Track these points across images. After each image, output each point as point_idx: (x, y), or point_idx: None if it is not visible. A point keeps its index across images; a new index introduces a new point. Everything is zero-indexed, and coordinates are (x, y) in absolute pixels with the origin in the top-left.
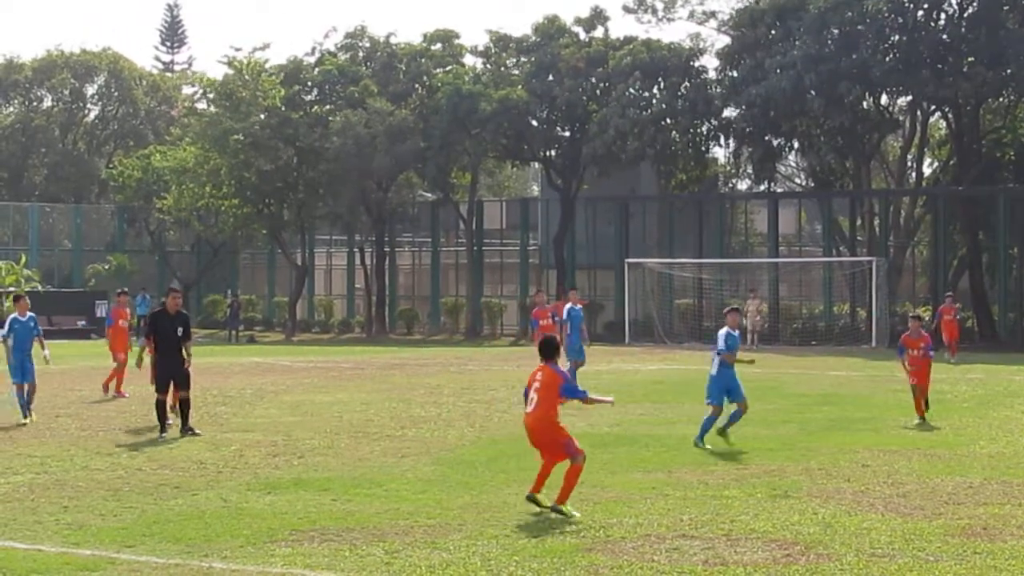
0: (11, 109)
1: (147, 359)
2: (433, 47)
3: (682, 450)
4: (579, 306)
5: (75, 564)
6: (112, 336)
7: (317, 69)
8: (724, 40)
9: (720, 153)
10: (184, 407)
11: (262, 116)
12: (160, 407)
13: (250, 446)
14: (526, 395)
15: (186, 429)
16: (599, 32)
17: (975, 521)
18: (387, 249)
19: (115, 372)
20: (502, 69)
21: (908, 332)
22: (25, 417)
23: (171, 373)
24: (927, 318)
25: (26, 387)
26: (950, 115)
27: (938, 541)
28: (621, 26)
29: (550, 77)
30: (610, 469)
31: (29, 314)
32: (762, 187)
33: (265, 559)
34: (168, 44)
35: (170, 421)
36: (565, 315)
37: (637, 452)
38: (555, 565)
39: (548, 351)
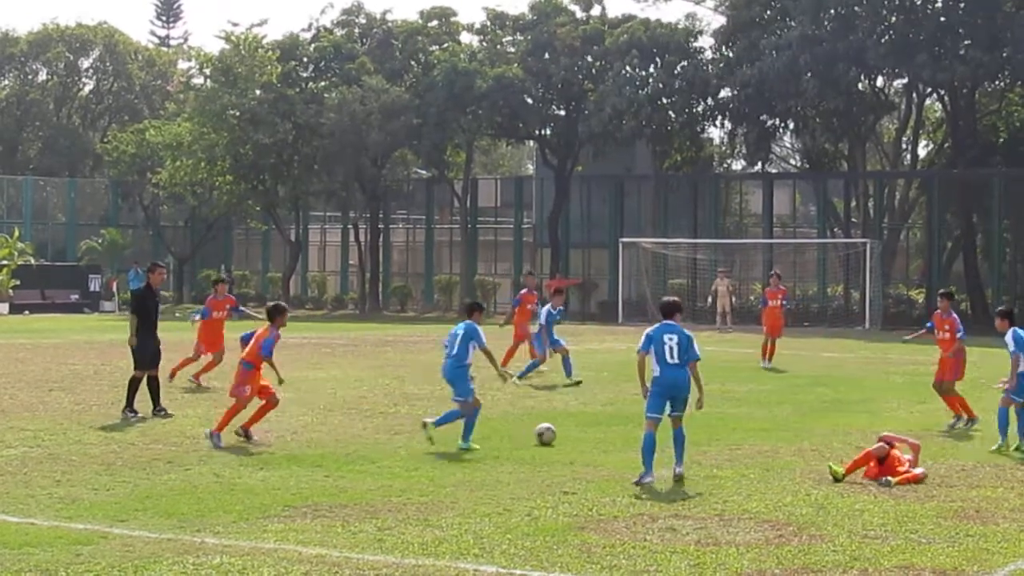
0: (6, 82)
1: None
2: (429, 24)
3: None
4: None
5: (68, 538)
6: (203, 328)
7: (313, 46)
8: (720, 20)
9: (715, 133)
10: (154, 385)
11: (258, 92)
12: (134, 384)
13: (243, 422)
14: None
15: (159, 409)
16: (596, 11)
17: (968, 504)
18: (381, 226)
19: (209, 364)
20: (498, 47)
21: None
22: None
23: (153, 351)
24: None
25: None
26: (946, 98)
27: (931, 523)
28: (617, 5)
29: (546, 55)
30: (603, 448)
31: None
32: (757, 168)
33: (258, 535)
34: (164, 19)
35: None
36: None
37: (631, 431)
38: (548, 543)
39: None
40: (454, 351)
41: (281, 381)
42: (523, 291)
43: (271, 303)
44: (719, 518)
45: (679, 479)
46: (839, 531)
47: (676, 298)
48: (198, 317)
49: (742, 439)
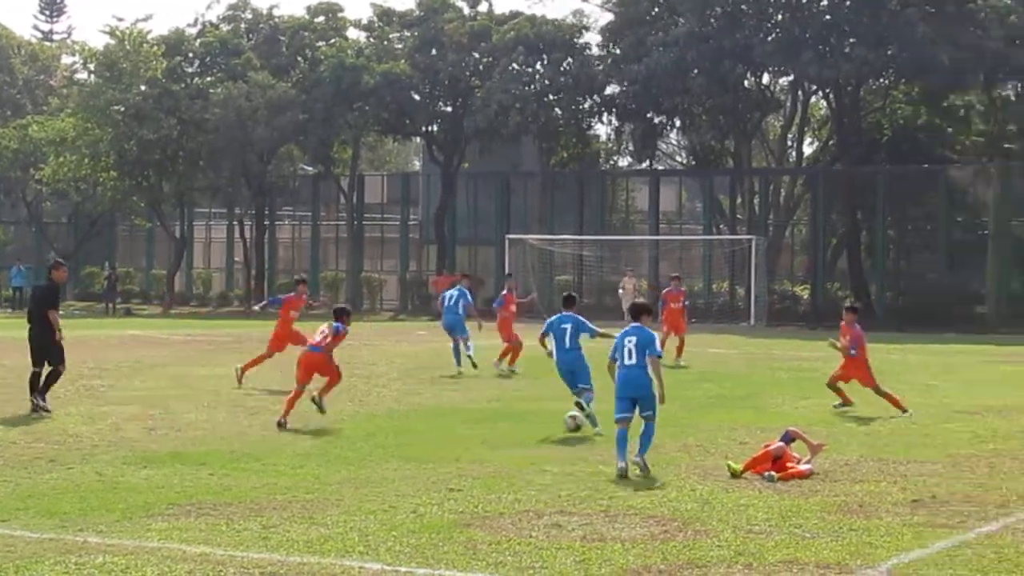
0: None
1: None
2: (316, 20)
3: (561, 425)
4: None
5: None
6: (278, 324)
7: (199, 41)
8: (608, 17)
9: (602, 130)
10: (36, 381)
11: (143, 87)
12: (36, 380)
13: (127, 419)
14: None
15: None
16: (483, 7)
17: (851, 498)
18: (267, 222)
19: (261, 357)
20: (385, 43)
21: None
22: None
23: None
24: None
25: None
26: (831, 95)
27: (815, 518)
28: (505, 1)
29: (433, 52)
30: (489, 444)
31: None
32: (643, 164)
33: (141, 534)
34: (47, 13)
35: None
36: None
37: (516, 427)
38: (433, 541)
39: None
40: (567, 344)
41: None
42: (504, 292)
43: (338, 306)
44: (604, 514)
45: (639, 466)
46: (724, 526)
47: (645, 300)
48: (270, 307)
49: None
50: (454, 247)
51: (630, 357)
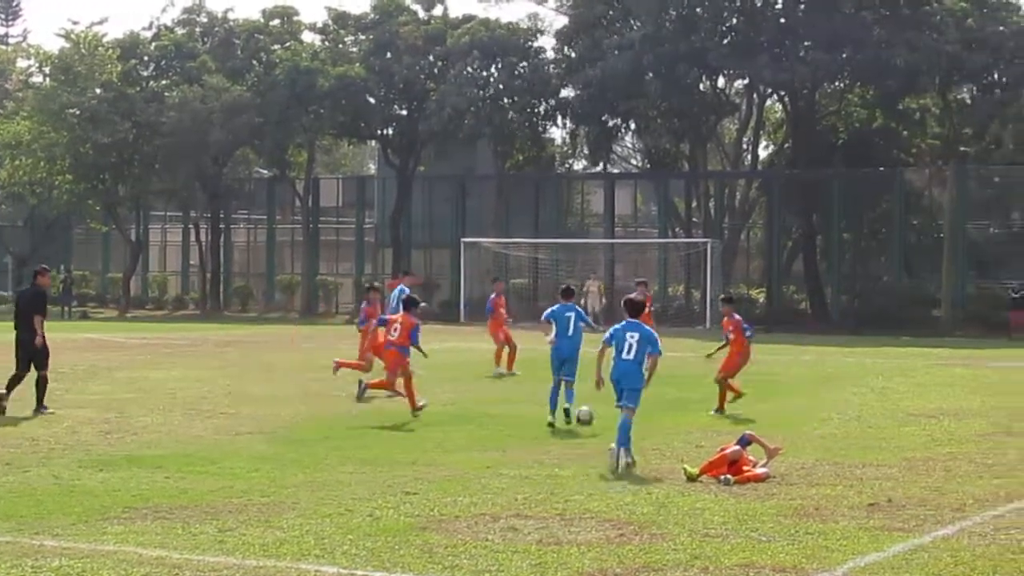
0: None
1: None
2: (271, 23)
3: (517, 429)
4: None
5: None
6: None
7: (154, 44)
8: (563, 20)
9: (557, 133)
10: (15, 383)
11: (99, 91)
12: (15, 382)
13: (83, 423)
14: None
15: (42, 407)
16: (438, 11)
17: (807, 502)
18: (223, 226)
19: (356, 365)
20: (340, 46)
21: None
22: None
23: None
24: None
25: None
26: (786, 99)
27: (771, 521)
28: (459, 5)
29: (388, 55)
30: (445, 448)
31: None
32: (598, 168)
33: (97, 536)
34: (3, 16)
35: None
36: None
37: (472, 431)
38: (389, 544)
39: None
40: (570, 332)
41: (426, 355)
42: (493, 296)
43: (407, 296)
44: (560, 517)
45: (629, 465)
46: (680, 530)
47: (642, 298)
48: (362, 326)
49: (583, 438)
50: (410, 250)
51: (629, 352)
